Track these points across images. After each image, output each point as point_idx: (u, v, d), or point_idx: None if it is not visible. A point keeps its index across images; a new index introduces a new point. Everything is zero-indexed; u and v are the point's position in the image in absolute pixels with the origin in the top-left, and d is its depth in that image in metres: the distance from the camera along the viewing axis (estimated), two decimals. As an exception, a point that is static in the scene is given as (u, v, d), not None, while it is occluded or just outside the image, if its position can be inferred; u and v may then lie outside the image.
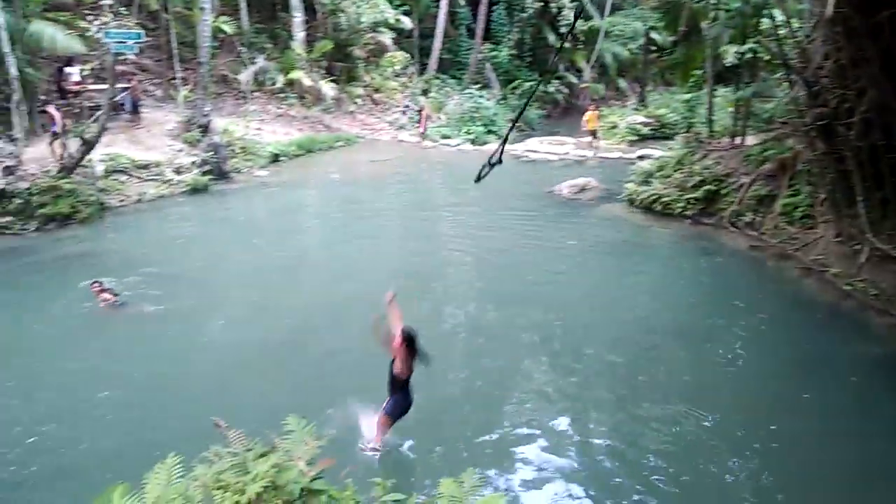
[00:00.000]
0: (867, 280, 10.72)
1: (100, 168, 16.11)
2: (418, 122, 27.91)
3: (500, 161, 5.11)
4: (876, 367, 8.70)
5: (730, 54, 17.53)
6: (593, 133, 24.39)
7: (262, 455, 3.58)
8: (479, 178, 5.29)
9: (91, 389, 7.75)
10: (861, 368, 8.64)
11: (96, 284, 10.00)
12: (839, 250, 11.73)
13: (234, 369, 8.39)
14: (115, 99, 17.41)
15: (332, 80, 27.83)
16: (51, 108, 15.94)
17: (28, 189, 14.11)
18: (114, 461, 6.29)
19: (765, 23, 15.21)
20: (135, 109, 19.97)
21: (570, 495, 6.11)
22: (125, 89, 19.64)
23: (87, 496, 5.57)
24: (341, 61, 28.60)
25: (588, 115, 24.48)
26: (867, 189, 11.25)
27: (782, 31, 13.74)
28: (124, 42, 15.53)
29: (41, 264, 12.35)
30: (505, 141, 5.46)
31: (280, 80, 26.19)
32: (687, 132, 18.01)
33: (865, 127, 10.82)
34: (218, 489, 3.30)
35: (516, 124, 30.68)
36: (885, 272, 10.64)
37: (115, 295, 10.06)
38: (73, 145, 15.23)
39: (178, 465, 3.11)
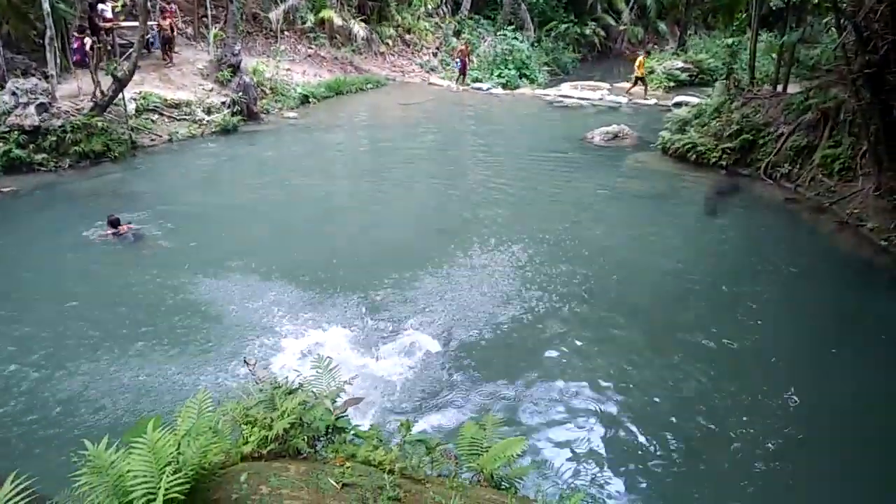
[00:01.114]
0: (906, 236, 10.47)
1: (131, 107, 16.19)
2: (459, 65, 26.67)
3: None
4: (908, 325, 8.56)
5: (776, -3, 16.82)
6: (642, 80, 23.67)
7: (290, 392, 3.67)
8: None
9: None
10: (892, 325, 8.51)
11: (112, 216, 10.70)
12: (878, 204, 11.42)
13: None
14: (147, 36, 17.35)
15: (363, 20, 27.35)
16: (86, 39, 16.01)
17: (62, 126, 14.25)
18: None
19: (815, -37, 14.51)
20: (165, 47, 19.81)
21: (587, 440, 6.20)
22: (157, 27, 19.51)
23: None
24: (373, 0, 28.03)
25: (639, 59, 23.75)
26: (912, 141, 10.87)
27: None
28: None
29: (72, 198, 12.68)
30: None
31: (311, 20, 25.81)
32: (726, 79, 17.41)
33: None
34: (247, 424, 3.41)
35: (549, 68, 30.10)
36: (925, 228, 10.37)
37: (129, 224, 10.88)
38: (106, 83, 15.28)
39: (209, 400, 3.20)
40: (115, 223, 10.63)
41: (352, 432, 3.68)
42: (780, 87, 15.99)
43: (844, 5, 12.31)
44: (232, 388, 6.22)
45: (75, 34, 16.62)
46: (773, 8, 17.67)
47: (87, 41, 15.76)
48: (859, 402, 7.00)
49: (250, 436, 3.34)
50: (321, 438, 3.57)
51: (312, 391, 3.79)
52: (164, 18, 19.76)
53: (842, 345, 8.14)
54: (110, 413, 6.37)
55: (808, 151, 13.61)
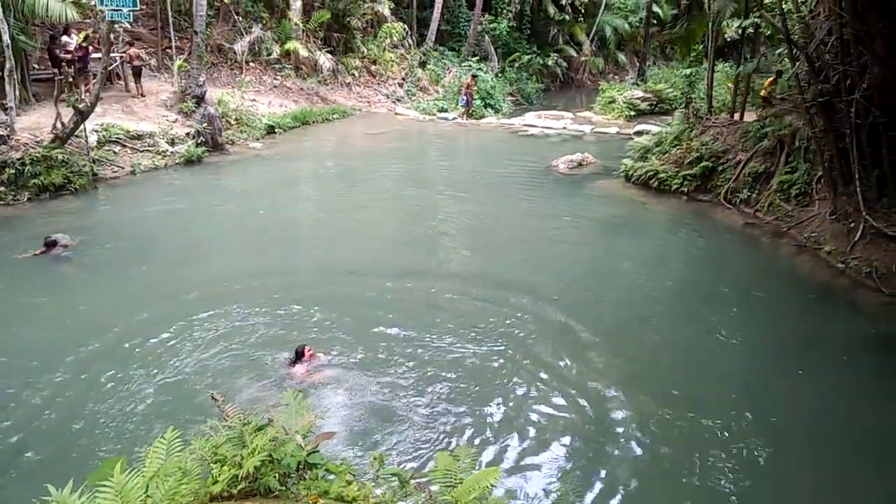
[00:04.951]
0: (860, 258, 10.79)
1: (93, 139, 15.96)
2: (465, 99, 26.27)
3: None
4: (867, 345, 8.79)
5: (731, 29, 17.39)
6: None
7: (260, 429, 3.61)
8: None
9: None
10: (852, 346, 8.73)
11: (49, 238, 10.89)
12: (833, 228, 11.77)
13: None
14: (111, 67, 17.22)
15: (329, 51, 27.51)
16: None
17: (21, 159, 13.95)
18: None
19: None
20: (136, 76, 19.82)
21: (562, 467, 6.18)
22: (127, 56, 19.56)
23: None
24: (338, 32, 28.22)
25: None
26: (864, 167, 11.27)
27: (786, 6, 13.61)
28: (119, 10, 15.26)
29: (22, 228, 12.42)
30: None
31: (276, 51, 25.86)
32: (686, 108, 17.90)
33: (866, 104, 10.80)
34: (216, 462, 3.33)
35: (513, 97, 30.57)
36: (879, 250, 10.70)
37: (64, 246, 10.94)
38: (67, 115, 15.06)
39: (177, 439, 3.13)
40: (52, 244, 10.81)
41: (324, 468, 3.63)
42: (737, 116, 16.47)
43: (796, 37, 12.79)
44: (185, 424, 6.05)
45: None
46: (729, 40, 18.31)
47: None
48: (821, 421, 7.13)
49: (220, 475, 3.26)
50: (293, 475, 3.51)
51: (283, 427, 3.73)
52: (133, 49, 19.79)
53: (804, 365, 8.29)
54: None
55: (766, 177, 14.00)
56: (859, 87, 10.77)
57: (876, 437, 6.87)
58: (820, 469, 6.36)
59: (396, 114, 27.03)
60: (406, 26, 30.47)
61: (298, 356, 7.63)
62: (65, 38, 17.55)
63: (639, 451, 6.48)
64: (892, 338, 8.95)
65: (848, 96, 11.07)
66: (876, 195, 11.25)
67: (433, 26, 31.19)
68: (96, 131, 16.30)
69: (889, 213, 11.01)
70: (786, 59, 15.02)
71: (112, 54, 17.75)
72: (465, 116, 26.18)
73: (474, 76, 27.34)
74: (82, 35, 17.99)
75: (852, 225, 11.35)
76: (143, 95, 19.52)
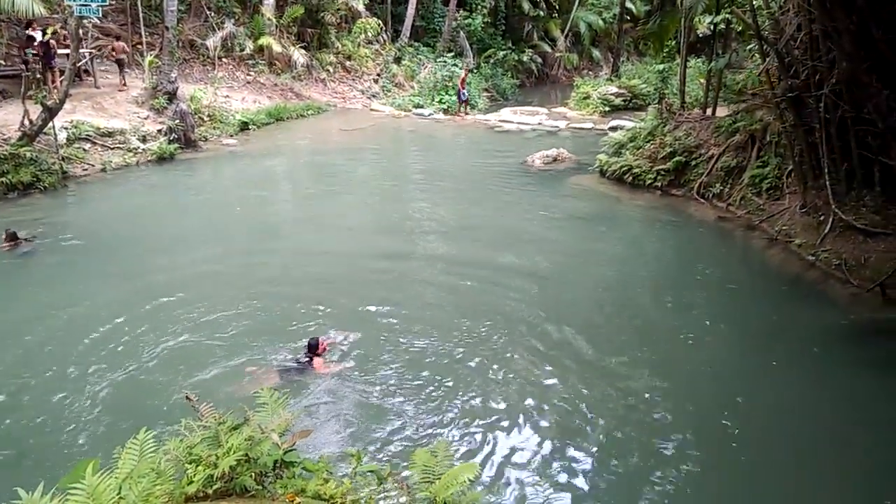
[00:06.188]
0: (830, 250, 10.97)
1: (62, 136, 15.68)
2: (457, 94, 26.28)
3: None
4: (836, 336, 8.94)
5: (703, 25, 17.58)
6: None
7: (236, 428, 3.58)
8: None
9: None
10: (822, 337, 8.88)
11: (9, 230, 11.02)
12: (804, 221, 11.96)
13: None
14: (79, 64, 16.90)
15: (303, 47, 27.29)
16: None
17: (-12, 157, 13.70)
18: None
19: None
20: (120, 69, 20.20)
21: (540, 463, 6.21)
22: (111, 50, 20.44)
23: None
24: (312, 27, 28.01)
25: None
26: (833, 161, 11.46)
27: (756, 2, 13.79)
28: (87, 5, 15.02)
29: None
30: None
31: (249, 47, 25.61)
32: (659, 103, 18.05)
33: (834, 99, 10.98)
34: (191, 463, 3.29)
35: (489, 93, 30.61)
36: (848, 243, 10.89)
37: (26, 240, 11.10)
38: (35, 112, 14.76)
39: (151, 440, 3.09)
40: (12, 236, 10.88)
41: (301, 466, 3.60)
42: (709, 111, 16.66)
43: (767, 33, 12.95)
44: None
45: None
46: (701, 35, 18.49)
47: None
48: (791, 409, 7.25)
49: (195, 475, 3.22)
50: (269, 474, 3.48)
51: (259, 425, 3.69)
52: (118, 42, 20.32)
53: (776, 355, 8.43)
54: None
55: (738, 172, 14.18)
56: (828, 83, 10.94)
57: (845, 423, 7.01)
58: (789, 456, 6.46)
59: (372, 110, 26.91)
60: (381, 22, 30.37)
61: (313, 349, 7.58)
62: (29, 32, 17.20)
63: (611, 441, 6.53)
64: (861, 328, 9.13)
65: (817, 91, 11.24)
66: (845, 189, 11.45)
67: (408, 22, 31.11)
68: (66, 128, 16.02)
69: (858, 207, 11.21)
70: (756, 54, 15.22)
71: (81, 50, 17.44)
72: (462, 111, 26.18)
73: (469, 70, 27.31)
74: (49, 31, 17.64)
75: (822, 218, 11.54)
76: (125, 86, 19.74)
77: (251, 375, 7.30)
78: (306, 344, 7.68)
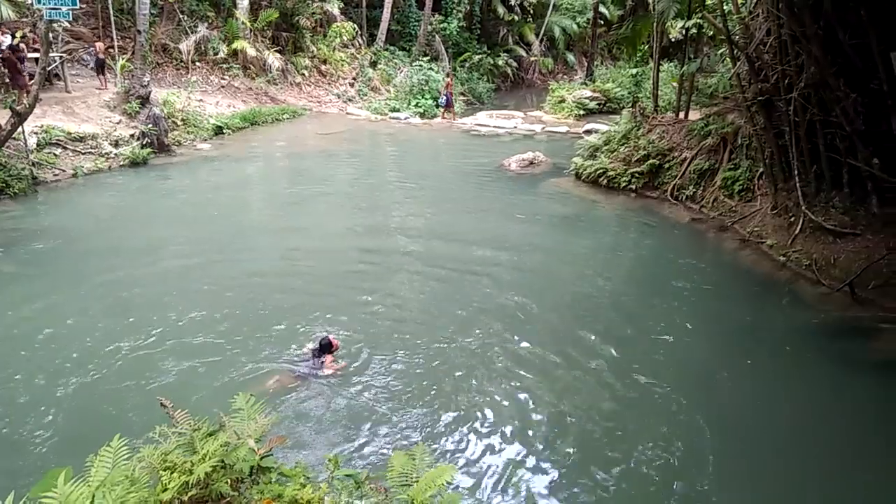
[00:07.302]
0: (800, 251, 11.17)
1: (32, 141, 15.41)
2: (445, 99, 26.46)
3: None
4: (807, 335, 9.12)
5: (675, 30, 17.80)
6: None
7: (211, 434, 3.54)
8: None
9: None
10: (794, 336, 9.05)
11: None
12: (775, 222, 12.17)
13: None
14: (49, 67, 16.63)
15: (278, 51, 27.14)
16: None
17: (-45, 163, 13.43)
18: None
19: (709, -2, 15.48)
20: (100, 69, 20.31)
21: (518, 463, 6.24)
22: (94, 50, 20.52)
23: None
24: (287, 31, 27.88)
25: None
26: (803, 163, 11.67)
27: (727, 7, 14.02)
28: (58, 8, 14.77)
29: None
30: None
31: (223, 50, 25.41)
32: (633, 107, 18.26)
33: (804, 103, 11.19)
34: (165, 470, 3.25)
35: (465, 97, 30.69)
36: (818, 243, 11.10)
37: None
38: (3, 117, 14.50)
39: (124, 447, 3.05)
40: None
41: (278, 472, 3.57)
42: (682, 114, 16.88)
43: (737, 38, 13.17)
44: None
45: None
46: (673, 40, 18.73)
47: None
48: (764, 406, 7.38)
49: (169, 482, 3.18)
50: (245, 480, 3.45)
51: (235, 431, 3.66)
52: (100, 42, 20.61)
53: (748, 354, 8.56)
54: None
55: (710, 174, 14.39)
56: (797, 87, 11.15)
57: (815, 420, 7.16)
58: (762, 453, 6.55)
59: (348, 114, 26.85)
60: (356, 26, 30.31)
61: (326, 348, 7.56)
62: (-1, 37, 16.91)
63: (588, 442, 6.58)
64: (831, 327, 9.31)
65: (787, 95, 11.45)
66: (814, 190, 11.67)
67: (383, 26, 31.10)
68: (36, 133, 15.75)
69: (827, 208, 11.43)
70: (727, 59, 15.46)
71: (51, 54, 17.16)
72: (447, 116, 26.23)
73: (454, 75, 27.41)
74: (19, 34, 17.35)
75: (792, 219, 11.75)
76: (105, 87, 19.89)
77: (272, 379, 7.33)
78: (317, 345, 7.65)
